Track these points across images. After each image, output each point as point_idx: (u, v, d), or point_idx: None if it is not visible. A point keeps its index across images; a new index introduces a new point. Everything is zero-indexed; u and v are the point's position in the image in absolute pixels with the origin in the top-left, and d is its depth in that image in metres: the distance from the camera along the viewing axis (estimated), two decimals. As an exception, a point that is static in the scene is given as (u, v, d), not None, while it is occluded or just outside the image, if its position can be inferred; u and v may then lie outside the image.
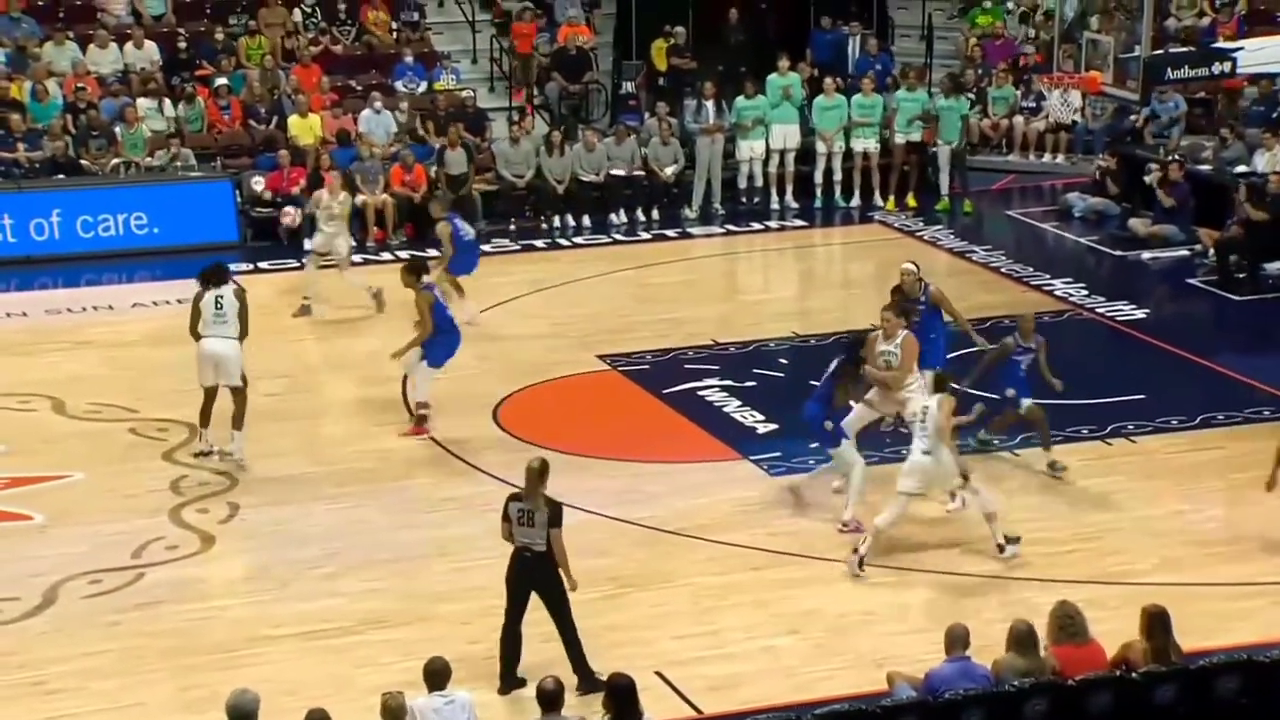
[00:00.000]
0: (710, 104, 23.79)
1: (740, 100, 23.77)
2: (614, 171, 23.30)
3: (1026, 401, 14.81)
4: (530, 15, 25.82)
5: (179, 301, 19.84)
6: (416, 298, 15.83)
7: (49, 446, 15.84)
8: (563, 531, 11.38)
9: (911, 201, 23.66)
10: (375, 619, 12.59)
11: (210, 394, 15.37)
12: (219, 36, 24.51)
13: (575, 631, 11.53)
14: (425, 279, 16.10)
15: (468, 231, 19.09)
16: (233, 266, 20.35)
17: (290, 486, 14.96)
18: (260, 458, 15.40)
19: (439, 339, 15.77)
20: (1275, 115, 22.86)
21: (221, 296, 15.21)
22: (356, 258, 20.28)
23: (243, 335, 15.27)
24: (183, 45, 24.43)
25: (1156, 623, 10.34)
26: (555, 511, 11.40)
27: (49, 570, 13.36)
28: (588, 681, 11.20)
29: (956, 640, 10.22)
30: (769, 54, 24.53)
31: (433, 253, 19.61)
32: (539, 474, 11.50)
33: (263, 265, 20.62)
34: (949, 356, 15.39)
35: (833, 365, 13.97)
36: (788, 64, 24.26)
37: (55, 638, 12.46)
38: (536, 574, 11.46)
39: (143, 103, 23.23)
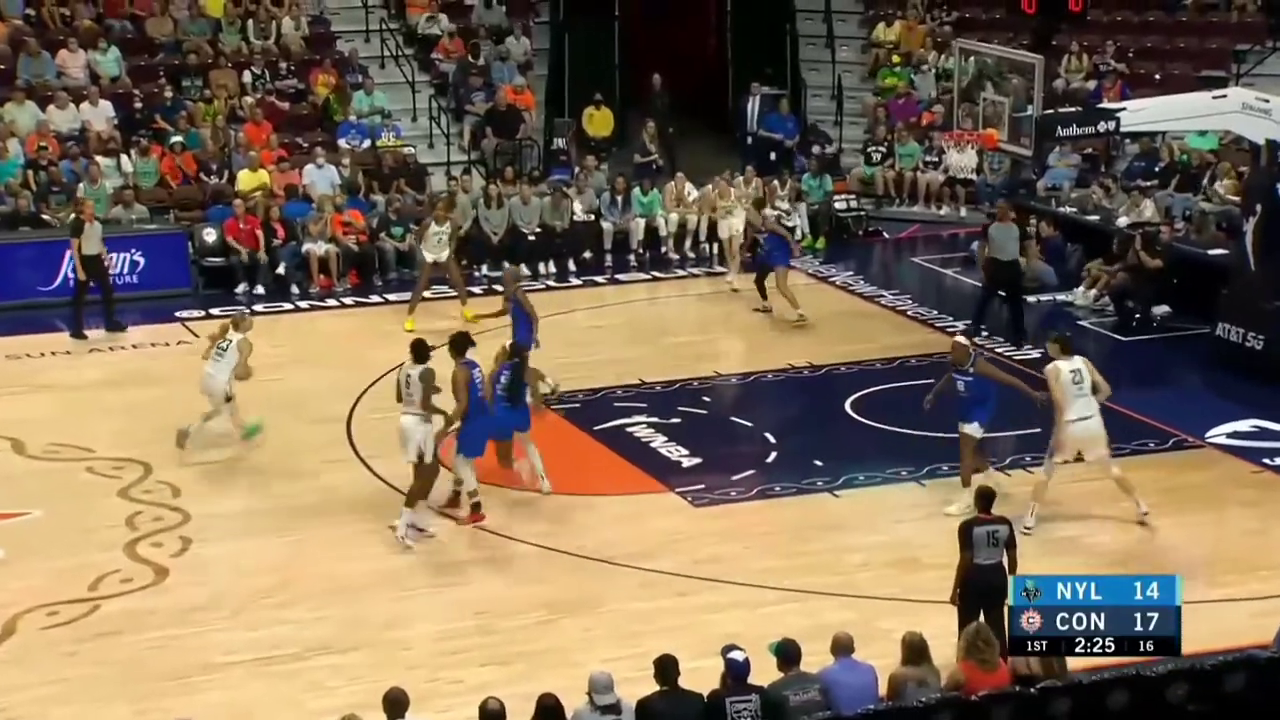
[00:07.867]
0: (620, 198, 23.74)
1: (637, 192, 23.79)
2: (548, 223, 23.25)
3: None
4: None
5: (133, 347, 19.82)
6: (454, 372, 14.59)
7: (9, 485, 15.64)
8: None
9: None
10: (322, 645, 12.49)
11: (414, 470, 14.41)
12: (169, 95, 24.34)
13: None
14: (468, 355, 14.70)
15: None
16: (185, 314, 20.51)
17: (240, 521, 14.85)
18: (212, 496, 15.29)
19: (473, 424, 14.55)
20: (1156, 170, 23.13)
21: (410, 375, 14.26)
22: (303, 303, 20.04)
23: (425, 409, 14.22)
24: (138, 105, 24.26)
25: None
26: None
27: (9, 603, 13.18)
28: None
29: (840, 646, 10.41)
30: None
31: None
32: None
33: (214, 311, 20.38)
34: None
35: None
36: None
37: (15, 668, 12.30)
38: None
39: (103, 160, 22.97)
